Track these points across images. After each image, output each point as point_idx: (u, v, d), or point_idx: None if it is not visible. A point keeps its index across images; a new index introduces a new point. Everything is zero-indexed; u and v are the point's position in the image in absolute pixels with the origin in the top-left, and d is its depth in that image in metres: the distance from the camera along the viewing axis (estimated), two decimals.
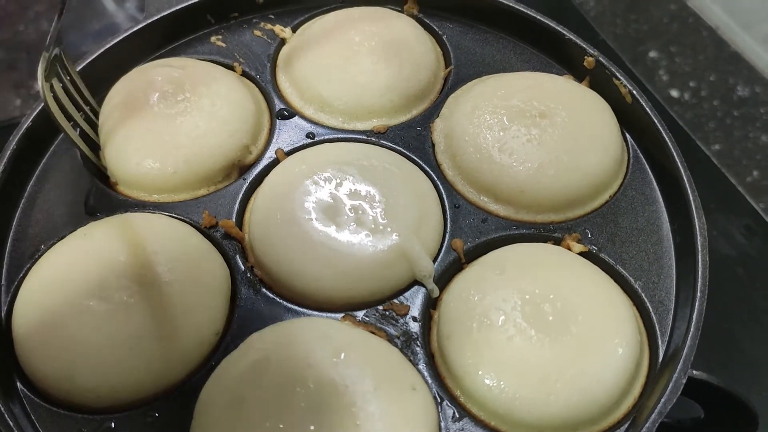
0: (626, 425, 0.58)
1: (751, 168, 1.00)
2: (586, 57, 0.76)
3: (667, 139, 0.69)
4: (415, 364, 0.59)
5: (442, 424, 0.56)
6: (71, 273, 0.60)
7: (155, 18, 0.78)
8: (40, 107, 0.69)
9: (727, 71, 1.12)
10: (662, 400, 0.54)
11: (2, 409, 0.54)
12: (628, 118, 0.73)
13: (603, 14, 1.22)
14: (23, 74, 1.10)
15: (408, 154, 0.72)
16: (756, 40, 1.13)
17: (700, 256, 0.62)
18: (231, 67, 0.78)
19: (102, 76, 0.74)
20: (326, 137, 0.73)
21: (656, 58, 1.15)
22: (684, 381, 0.55)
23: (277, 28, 0.82)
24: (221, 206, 0.68)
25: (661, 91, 1.10)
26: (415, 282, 0.64)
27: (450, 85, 0.78)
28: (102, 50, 0.75)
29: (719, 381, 0.60)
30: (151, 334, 0.57)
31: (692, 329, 0.58)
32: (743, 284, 0.86)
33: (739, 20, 1.15)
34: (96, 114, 0.73)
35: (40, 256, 0.64)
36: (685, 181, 0.66)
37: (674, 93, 1.10)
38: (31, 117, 0.69)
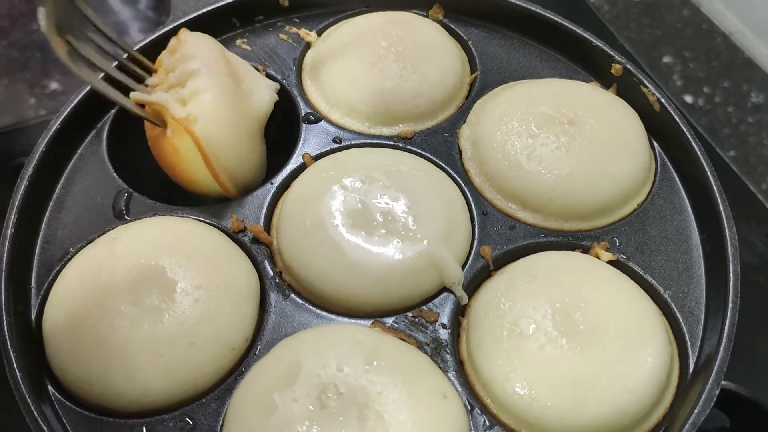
0: None
1: (766, 175, 1.00)
2: (613, 64, 0.76)
3: (695, 147, 0.69)
4: (445, 372, 0.59)
5: None
6: (101, 276, 0.60)
7: (181, 21, 0.78)
8: (68, 110, 0.69)
9: (741, 77, 1.12)
10: (695, 411, 0.54)
11: (35, 412, 0.54)
12: (655, 125, 0.73)
13: (617, 18, 1.22)
14: (37, 73, 1.09)
15: (435, 159, 0.71)
16: None
17: (731, 267, 0.61)
18: (256, 70, 0.78)
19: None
20: (353, 142, 0.73)
21: (670, 64, 1.14)
22: (717, 392, 0.55)
23: (303, 32, 0.82)
24: (249, 210, 0.68)
25: (676, 96, 1.10)
26: (444, 289, 0.64)
27: (476, 90, 0.78)
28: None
29: (747, 391, 0.60)
30: (182, 339, 0.57)
31: (724, 340, 0.57)
32: (765, 292, 0.85)
33: (753, 27, 1.15)
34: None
35: (69, 259, 0.63)
36: (715, 190, 0.66)
37: (688, 99, 1.10)
38: (59, 120, 0.69)
